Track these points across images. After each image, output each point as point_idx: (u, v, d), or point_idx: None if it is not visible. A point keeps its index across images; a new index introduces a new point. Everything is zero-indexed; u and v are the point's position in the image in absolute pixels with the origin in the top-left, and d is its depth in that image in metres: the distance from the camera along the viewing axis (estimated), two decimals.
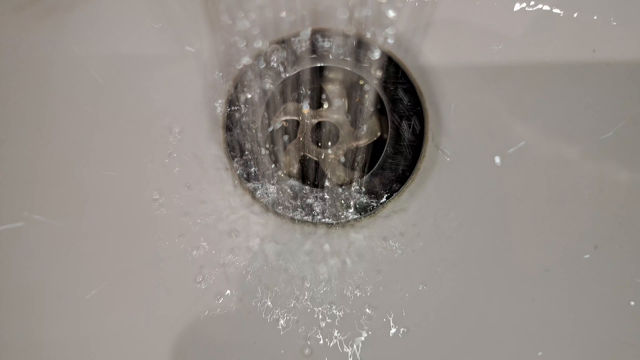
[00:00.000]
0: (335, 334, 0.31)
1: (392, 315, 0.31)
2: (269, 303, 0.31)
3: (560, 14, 0.33)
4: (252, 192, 0.33)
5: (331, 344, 0.31)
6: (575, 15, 0.33)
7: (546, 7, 0.33)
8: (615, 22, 0.32)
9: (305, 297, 0.31)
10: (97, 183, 0.33)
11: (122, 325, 0.31)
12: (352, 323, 0.31)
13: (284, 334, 0.31)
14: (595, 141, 0.33)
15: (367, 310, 0.31)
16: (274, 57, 0.34)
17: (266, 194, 0.33)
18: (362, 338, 0.31)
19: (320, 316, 0.31)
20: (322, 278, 0.31)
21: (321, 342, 0.31)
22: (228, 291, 0.32)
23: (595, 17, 0.33)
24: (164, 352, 0.31)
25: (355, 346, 0.30)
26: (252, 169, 0.33)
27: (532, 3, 0.33)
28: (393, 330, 0.31)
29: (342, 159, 0.35)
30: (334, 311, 0.31)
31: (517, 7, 0.34)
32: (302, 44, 0.34)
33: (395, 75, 0.34)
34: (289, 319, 0.31)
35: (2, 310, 0.30)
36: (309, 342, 0.31)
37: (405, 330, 0.31)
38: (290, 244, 0.32)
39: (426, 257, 0.32)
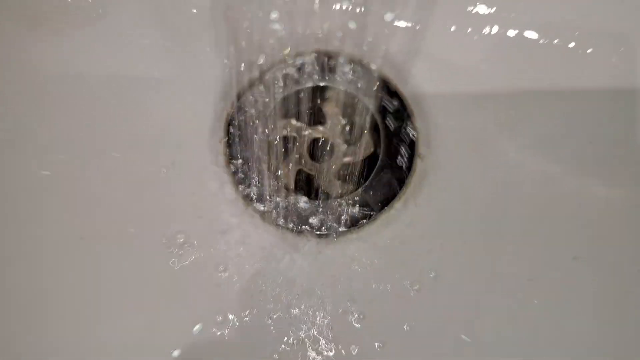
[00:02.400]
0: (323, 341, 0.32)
1: (379, 324, 0.32)
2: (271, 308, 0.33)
3: (540, 42, 0.36)
4: (249, 202, 0.34)
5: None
6: (554, 42, 0.35)
7: (528, 36, 0.35)
8: (591, 49, 0.35)
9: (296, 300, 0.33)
10: (100, 193, 0.34)
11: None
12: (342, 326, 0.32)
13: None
14: (575, 159, 0.35)
15: (355, 315, 0.33)
16: (274, 77, 0.36)
17: (262, 205, 0.34)
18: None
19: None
20: (308, 286, 0.33)
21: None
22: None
23: (571, 45, 0.35)
24: None
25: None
26: (251, 181, 0.35)
27: (513, 33, 0.35)
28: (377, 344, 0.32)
29: (337, 174, 0.37)
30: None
31: (501, 36, 0.36)
32: (301, 65, 0.37)
33: (389, 95, 0.36)
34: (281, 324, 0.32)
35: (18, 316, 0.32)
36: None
37: (381, 344, 0.32)
38: (285, 253, 0.34)
39: (414, 267, 0.33)
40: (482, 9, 0.36)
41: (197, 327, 0.32)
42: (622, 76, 0.35)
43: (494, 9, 0.36)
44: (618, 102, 0.35)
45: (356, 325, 0.32)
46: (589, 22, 0.35)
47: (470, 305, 0.33)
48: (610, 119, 0.35)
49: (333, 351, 0.32)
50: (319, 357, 0.32)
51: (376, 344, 0.32)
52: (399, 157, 0.35)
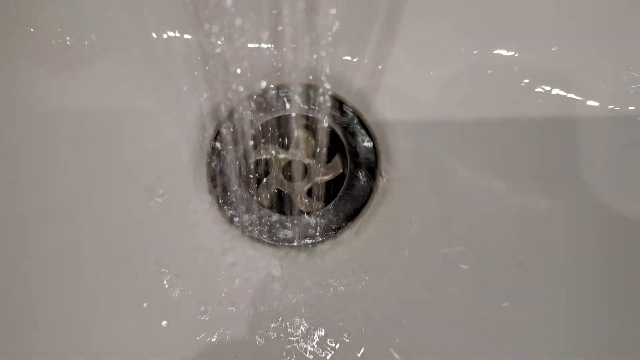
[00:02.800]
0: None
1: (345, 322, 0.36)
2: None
3: (486, 75, 0.41)
4: (230, 219, 0.38)
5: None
6: (497, 76, 0.40)
7: (476, 71, 0.41)
8: (528, 79, 0.40)
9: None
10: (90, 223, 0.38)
11: None
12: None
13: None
14: (518, 177, 0.40)
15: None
16: (250, 107, 0.41)
17: (242, 220, 0.38)
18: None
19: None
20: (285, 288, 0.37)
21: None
22: (202, 306, 0.37)
23: (514, 71, 0.40)
24: None
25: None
26: (231, 199, 0.39)
27: (462, 69, 0.40)
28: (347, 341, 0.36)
29: (308, 192, 0.42)
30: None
31: (453, 71, 0.41)
32: (275, 96, 0.41)
33: (354, 122, 0.41)
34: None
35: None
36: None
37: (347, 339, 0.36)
38: (264, 262, 0.38)
39: (377, 269, 0.37)
40: (435, 48, 0.42)
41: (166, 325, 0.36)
42: (557, 105, 0.40)
43: (446, 46, 0.41)
44: (554, 126, 0.40)
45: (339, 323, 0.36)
46: (527, 60, 0.41)
47: (420, 305, 0.36)
48: (547, 142, 0.40)
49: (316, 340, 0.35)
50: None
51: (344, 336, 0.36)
52: (363, 177, 0.40)
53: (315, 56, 0.41)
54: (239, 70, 0.40)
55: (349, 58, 0.41)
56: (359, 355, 0.35)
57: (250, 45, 0.41)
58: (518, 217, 0.39)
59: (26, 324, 0.35)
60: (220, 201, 0.39)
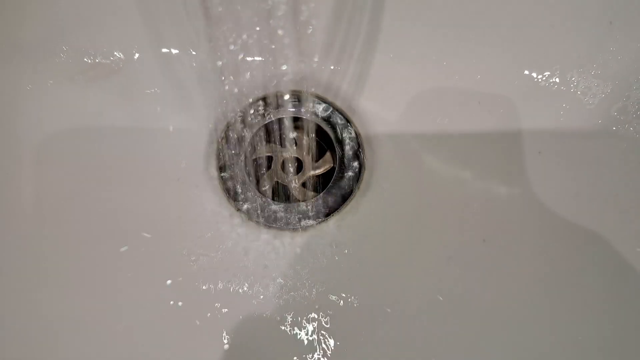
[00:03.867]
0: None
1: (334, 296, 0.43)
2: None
3: (455, 77, 0.48)
4: (238, 208, 0.45)
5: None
6: (464, 76, 0.47)
7: (442, 85, 0.47)
8: (495, 85, 0.47)
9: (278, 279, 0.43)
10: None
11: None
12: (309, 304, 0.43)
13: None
14: (483, 166, 0.46)
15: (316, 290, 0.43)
16: (255, 110, 0.48)
17: (247, 208, 0.45)
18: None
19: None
20: (285, 266, 0.44)
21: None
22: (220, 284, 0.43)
23: (477, 83, 0.47)
24: None
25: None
26: (238, 191, 0.46)
27: (433, 84, 0.47)
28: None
29: (303, 184, 0.48)
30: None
31: (425, 83, 0.48)
32: (276, 101, 0.48)
33: (343, 123, 0.48)
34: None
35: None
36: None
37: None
38: (265, 244, 0.44)
39: (361, 248, 0.44)
40: (411, 56, 0.48)
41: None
42: (508, 108, 0.47)
43: (421, 53, 0.48)
44: (512, 121, 0.47)
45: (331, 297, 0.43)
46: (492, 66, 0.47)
47: (396, 274, 0.43)
48: (506, 136, 0.47)
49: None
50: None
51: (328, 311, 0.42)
52: (349, 170, 0.47)
53: (306, 66, 0.48)
54: (242, 82, 0.47)
55: (338, 67, 0.48)
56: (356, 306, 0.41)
57: (252, 59, 0.48)
58: (482, 201, 0.45)
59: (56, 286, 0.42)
60: (228, 193, 0.46)
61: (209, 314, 0.41)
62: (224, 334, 0.41)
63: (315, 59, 0.48)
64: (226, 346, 0.40)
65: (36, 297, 0.41)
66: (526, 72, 0.46)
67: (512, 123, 0.47)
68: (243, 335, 0.41)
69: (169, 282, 0.42)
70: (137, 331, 0.41)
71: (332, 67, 0.49)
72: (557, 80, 0.46)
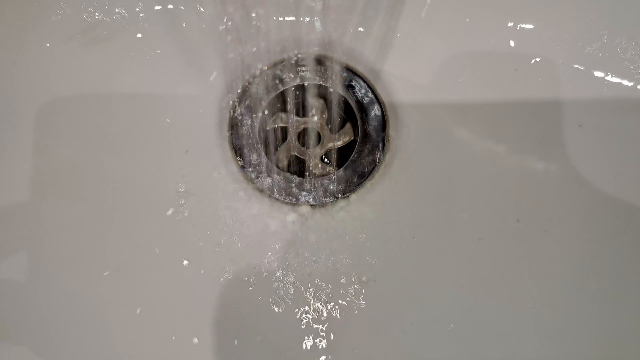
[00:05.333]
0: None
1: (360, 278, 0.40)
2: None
3: (491, 42, 0.43)
4: (252, 181, 0.42)
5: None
6: (504, 47, 0.43)
7: (476, 50, 0.43)
8: (529, 50, 0.42)
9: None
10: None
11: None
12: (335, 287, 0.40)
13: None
14: (518, 139, 0.43)
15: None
16: (269, 77, 0.44)
17: (262, 182, 0.42)
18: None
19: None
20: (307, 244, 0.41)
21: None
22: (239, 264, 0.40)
23: (515, 49, 0.43)
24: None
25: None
26: (252, 163, 0.42)
27: (464, 48, 0.43)
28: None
29: (322, 157, 0.45)
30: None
31: (455, 49, 0.44)
32: (294, 67, 0.44)
33: (366, 92, 0.44)
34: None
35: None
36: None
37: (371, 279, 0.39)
38: (282, 220, 0.41)
39: (385, 226, 0.41)
40: (442, 20, 0.44)
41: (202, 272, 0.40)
42: (554, 74, 0.43)
43: (453, 18, 0.44)
44: (550, 93, 0.43)
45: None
46: (530, 32, 0.43)
47: (422, 261, 0.40)
48: (545, 105, 0.43)
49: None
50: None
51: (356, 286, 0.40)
52: (373, 143, 0.43)
53: (328, 28, 0.44)
54: (256, 45, 0.43)
55: (361, 29, 0.44)
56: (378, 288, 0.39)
57: (267, 18, 0.43)
58: (517, 177, 0.42)
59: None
60: (242, 164, 0.42)
61: (222, 294, 0.39)
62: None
63: (338, 21, 0.44)
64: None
65: (34, 271, 0.39)
66: (568, 37, 0.42)
67: (550, 93, 0.43)
68: (244, 316, 0.39)
69: (185, 262, 0.40)
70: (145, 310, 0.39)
71: (354, 31, 0.44)
72: (603, 46, 0.42)
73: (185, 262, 0.40)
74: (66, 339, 0.38)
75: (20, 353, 0.38)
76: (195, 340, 0.39)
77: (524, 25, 0.43)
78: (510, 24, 0.43)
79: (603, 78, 0.42)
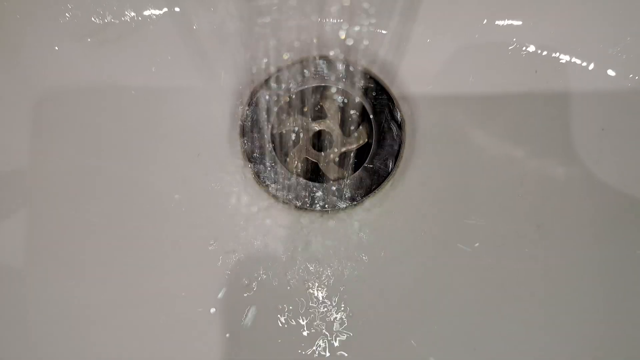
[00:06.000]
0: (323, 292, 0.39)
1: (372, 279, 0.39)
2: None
3: (510, 41, 0.42)
4: (264, 185, 0.41)
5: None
6: (523, 47, 0.42)
7: (494, 43, 0.42)
8: (548, 50, 0.41)
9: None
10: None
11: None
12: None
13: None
14: (537, 142, 0.41)
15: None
16: (281, 79, 0.43)
17: (274, 186, 0.41)
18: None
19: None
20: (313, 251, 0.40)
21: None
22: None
23: (537, 49, 0.41)
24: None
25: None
26: (262, 166, 0.41)
27: (482, 41, 0.42)
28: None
29: (336, 160, 0.44)
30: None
31: (472, 44, 0.42)
32: (304, 69, 0.43)
33: (380, 93, 0.43)
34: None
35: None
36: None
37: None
38: (293, 226, 0.40)
39: (401, 233, 0.40)
40: (457, 20, 0.43)
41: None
42: (577, 75, 0.41)
43: (468, 17, 0.43)
44: (573, 95, 0.42)
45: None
46: (549, 30, 0.42)
47: (439, 270, 0.39)
48: (565, 110, 0.41)
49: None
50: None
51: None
52: (388, 146, 0.42)
53: (342, 29, 0.43)
54: (268, 46, 0.42)
55: (377, 30, 0.43)
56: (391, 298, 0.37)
57: (279, 19, 0.42)
58: (536, 182, 0.40)
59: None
60: (253, 168, 0.41)
61: (231, 300, 0.38)
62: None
63: (353, 22, 0.43)
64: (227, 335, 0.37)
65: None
66: (591, 38, 0.41)
67: (572, 94, 0.41)
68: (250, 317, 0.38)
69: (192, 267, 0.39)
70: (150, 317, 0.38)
71: (370, 32, 0.43)
72: (627, 47, 0.40)
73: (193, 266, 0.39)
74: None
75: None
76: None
77: (545, 26, 0.41)
78: (531, 24, 0.42)
79: (627, 80, 0.41)
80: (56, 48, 0.42)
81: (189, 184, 0.41)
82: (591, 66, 0.41)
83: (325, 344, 0.38)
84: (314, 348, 0.38)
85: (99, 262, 0.39)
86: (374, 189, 0.41)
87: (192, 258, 0.40)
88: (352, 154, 0.44)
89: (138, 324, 0.38)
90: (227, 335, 0.38)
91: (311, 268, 0.39)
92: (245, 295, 0.39)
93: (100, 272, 0.39)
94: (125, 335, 0.38)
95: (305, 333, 0.38)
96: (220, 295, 0.39)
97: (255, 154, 0.41)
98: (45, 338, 0.37)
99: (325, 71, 0.43)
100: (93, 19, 0.41)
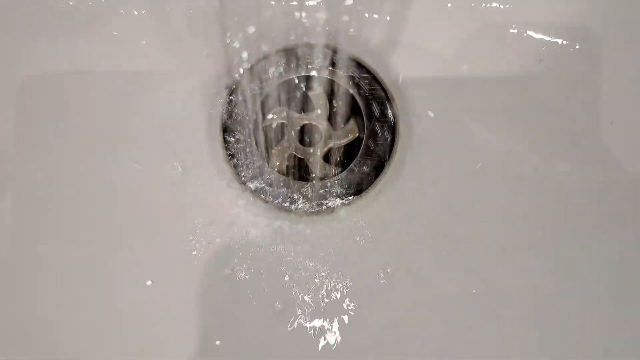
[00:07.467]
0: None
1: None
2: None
3: (512, 32, 0.39)
4: (244, 184, 0.38)
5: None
6: (525, 33, 0.39)
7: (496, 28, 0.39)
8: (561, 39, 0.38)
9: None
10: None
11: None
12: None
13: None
14: (541, 137, 0.38)
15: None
16: (264, 69, 0.39)
17: (256, 184, 0.38)
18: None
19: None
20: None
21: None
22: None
23: (536, 34, 0.39)
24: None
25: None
26: (245, 164, 0.38)
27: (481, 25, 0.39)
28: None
29: (324, 156, 0.41)
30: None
31: (471, 28, 0.39)
32: (294, 57, 0.40)
33: (371, 84, 0.40)
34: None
35: None
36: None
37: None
38: (276, 227, 0.37)
39: (393, 235, 0.37)
40: (453, 4, 0.40)
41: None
42: (582, 64, 0.39)
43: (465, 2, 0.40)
44: (579, 86, 0.39)
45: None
46: (552, 17, 0.39)
47: (439, 277, 0.36)
48: (570, 101, 0.38)
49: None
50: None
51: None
52: (381, 141, 0.39)
53: (332, 15, 0.39)
54: (251, 30, 0.39)
55: (368, 16, 0.40)
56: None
57: (263, 3, 0.39)
58: (538, 180, 0.38)
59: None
60: (234, 164, 0.38)
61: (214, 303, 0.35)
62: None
63: (343, 9, 0.39)
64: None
65: None
66: (598, 21, 0.38)
67: (579, 85, 0.39)
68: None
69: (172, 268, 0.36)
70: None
71: (361, 19, 0.40)
72: (633, 38, 0.38)
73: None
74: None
75: None
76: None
77: (549, 16, 0.39)
78: (533, 14, 0.39)
79: (635, 73, 0.38)
80: (24, 36, 0.39)
81: (164, 179, 0.38)
82: (597, 57, 0.38)
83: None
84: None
85: (75, 258, 0.36)
86: (365, 188, 0.38)
87: (169, 255, 0.37)
88: (341, 150, 0.41)
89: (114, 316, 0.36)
90: (206, 328, 0.35)
91: (295, 273, 0.36)
92: (222, 294, 0.36)
93: (79, 267, 0.36)
94: (103, 326, 0.35)
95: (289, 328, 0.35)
96: (196, 288, 0.36)
97: (235, 149, 0.38)
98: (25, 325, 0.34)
99: (315, 61, 0.40)
100: (60, 4, 0.38)
